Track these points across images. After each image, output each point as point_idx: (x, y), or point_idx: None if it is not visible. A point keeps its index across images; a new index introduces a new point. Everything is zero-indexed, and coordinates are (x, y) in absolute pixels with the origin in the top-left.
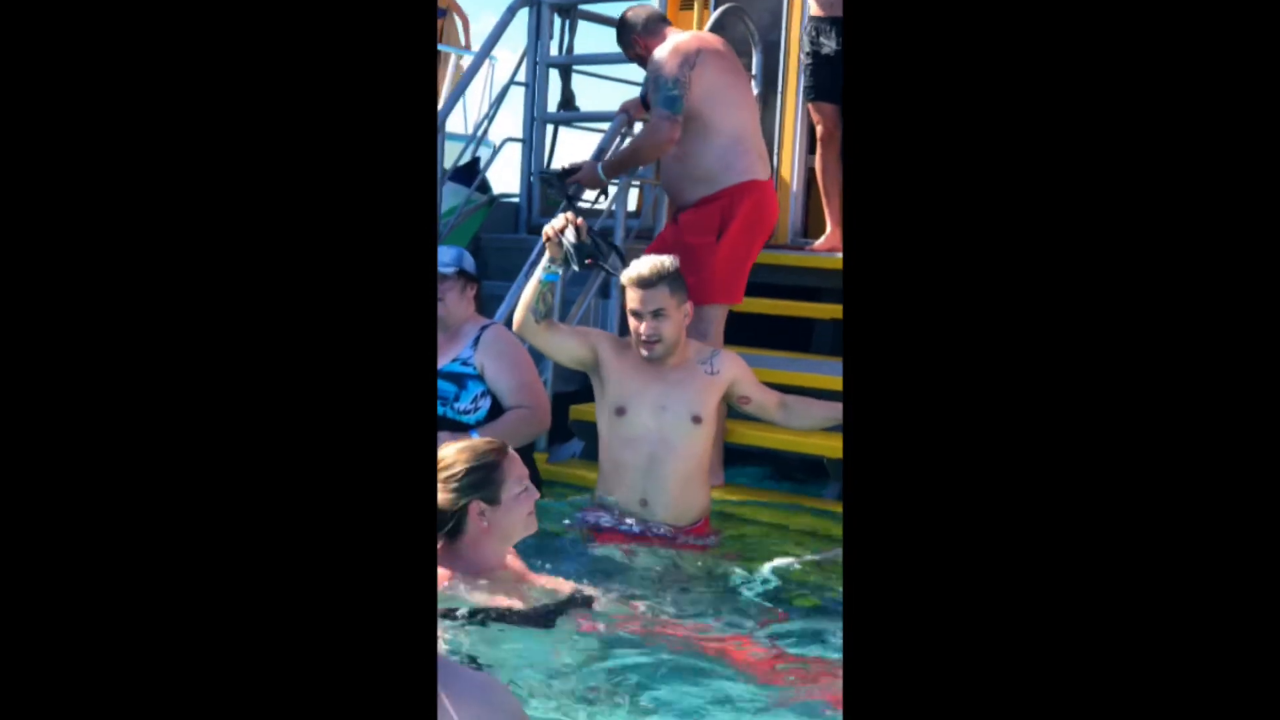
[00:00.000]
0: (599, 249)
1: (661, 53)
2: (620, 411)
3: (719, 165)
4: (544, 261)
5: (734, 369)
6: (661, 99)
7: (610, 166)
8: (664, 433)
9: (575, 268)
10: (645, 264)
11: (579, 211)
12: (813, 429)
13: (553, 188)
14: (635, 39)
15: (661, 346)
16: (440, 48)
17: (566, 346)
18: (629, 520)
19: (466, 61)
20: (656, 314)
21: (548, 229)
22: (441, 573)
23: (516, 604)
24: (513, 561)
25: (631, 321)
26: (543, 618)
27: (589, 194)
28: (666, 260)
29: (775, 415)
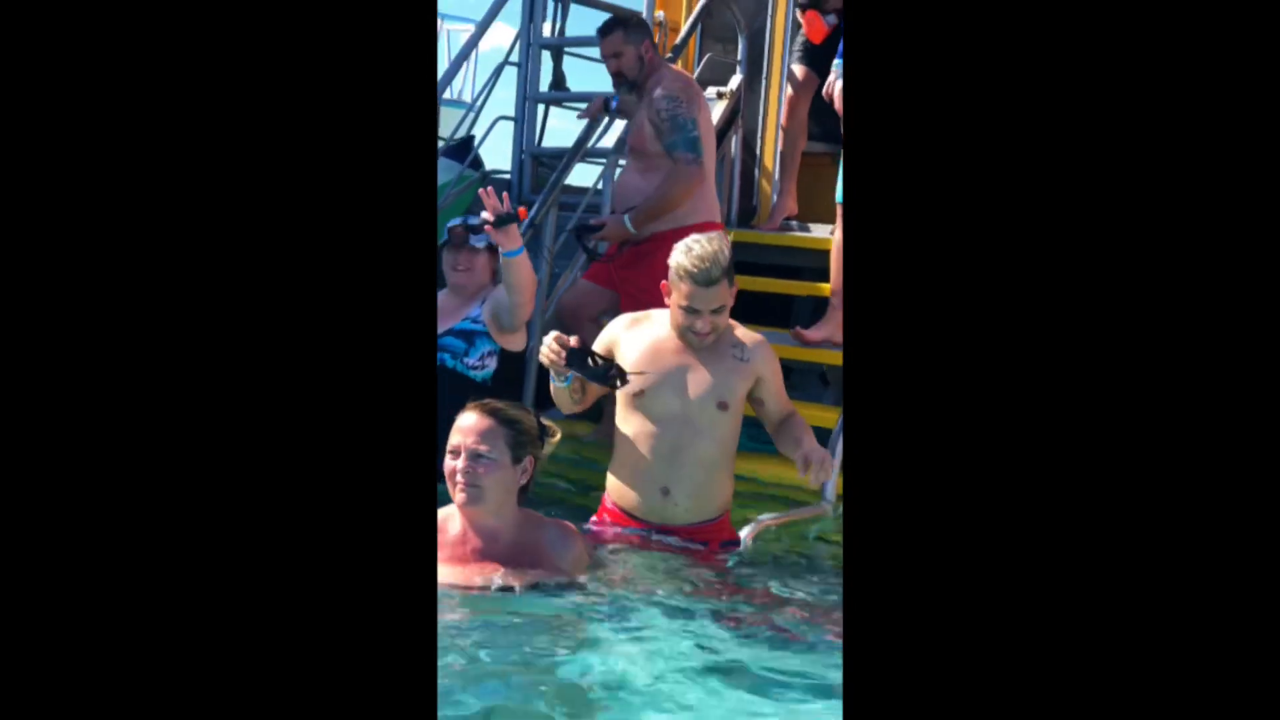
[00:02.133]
0: (595, 361)
1: (676, 88)
2: (639, 394)
3: (681, 206)
4: (553, 376)
5: (764, 365)
6: (684, 140)
7: (639, 218)
8: (689, 417)
9: (579, 375)
10: (705, 259)
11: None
12: (786, 452)
13: (581, 245)
14: (648, 43)
15: (714, 336)
16: None
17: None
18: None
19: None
20: (717, 311)
21: (543, 356)
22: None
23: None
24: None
25: (684, 317)
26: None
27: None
28: (722, 247)
29: (770, 425)
